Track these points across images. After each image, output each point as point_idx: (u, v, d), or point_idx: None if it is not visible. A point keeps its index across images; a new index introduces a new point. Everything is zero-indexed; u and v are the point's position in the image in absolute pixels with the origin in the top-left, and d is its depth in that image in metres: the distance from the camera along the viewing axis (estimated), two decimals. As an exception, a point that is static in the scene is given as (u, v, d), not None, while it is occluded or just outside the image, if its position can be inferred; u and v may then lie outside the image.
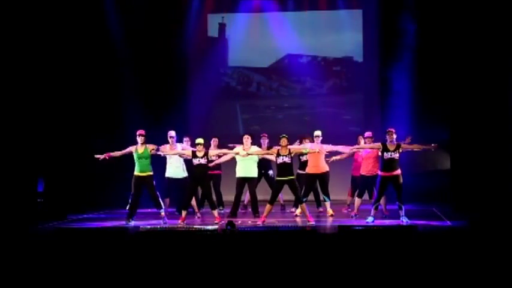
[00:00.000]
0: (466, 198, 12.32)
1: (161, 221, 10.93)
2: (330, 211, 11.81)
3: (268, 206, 10.68)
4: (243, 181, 11.92)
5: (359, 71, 15.38)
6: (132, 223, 10.92)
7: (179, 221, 10.88)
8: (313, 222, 10.53)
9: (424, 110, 14.01)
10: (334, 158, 11.87)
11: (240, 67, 15.82)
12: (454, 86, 13.27)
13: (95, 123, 13.92)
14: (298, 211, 11.83)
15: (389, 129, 10.75)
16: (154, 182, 11.06)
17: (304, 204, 10.74)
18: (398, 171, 10.63)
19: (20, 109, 12.70)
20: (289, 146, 10.76)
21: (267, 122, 15.34)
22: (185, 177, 11.87)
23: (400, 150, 10.60)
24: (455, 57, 13.18)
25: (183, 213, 10.95)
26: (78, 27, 13.66)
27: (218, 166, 12.46)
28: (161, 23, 14.87)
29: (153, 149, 11.11)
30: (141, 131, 11.05)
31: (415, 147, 10.88)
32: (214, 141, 12.47)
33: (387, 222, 10.77)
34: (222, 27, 15.73)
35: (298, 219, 11.56)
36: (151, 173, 11.06)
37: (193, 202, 11.73)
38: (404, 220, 10.47)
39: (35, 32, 12.85)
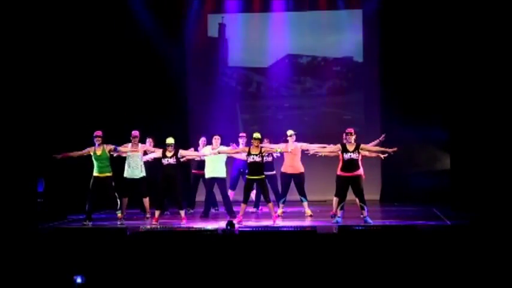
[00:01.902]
0: (466, 198, 12.32)
1: (118, 222, 10.94)
2: (308, 211, 11.84)
3: (242, 205, 10.75)
4: (212, 181, 11.95)
5: (359, 71, 15.38)
6: (90, 224, 10.89)
7: (153, 221, 10.95)
8: (275, 223, 10.58)
9: (424, 110, 14.01)
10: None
11: (240, 67, 15.81)
12: (454, 86, 13.27)
13: (95, 124, 13.88)
14: (279, 211, 11.79)
15: (348, 129, 10.73)
16: (113, 183, 11.11)
17: (271, 204, 10.80)
18: (359, 172, 10.59)
19: (20, 109, 12.70)
20: (261, 145, 10.88)
21: (266, 122, 15.33)
22: (143, 177, 11.86)
23: (360, 151, 10.56)
24: (456, 57, 13.17)
25: (156, 213, 11.00)
26: (77, 28, 13.64)
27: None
28: (161, 23, 14.86)
29: (110, 150, 11.14)
30: (97, 132, 11.10)
31: (374, 150, 10.76)
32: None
33: (387, 222, 10.76)
34: (222, 27, 15.73)
35: (298, 219, 11.57)
36: (110, 174, 11.11)
37: (147, 204, 11.88)
38: (369, 221, 10.37)
39: (34, 34, 12.84)
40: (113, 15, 14.16)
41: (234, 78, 15.84)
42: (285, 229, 8.50)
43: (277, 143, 12.14)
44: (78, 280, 6.92)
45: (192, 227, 9.18)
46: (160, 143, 12.36)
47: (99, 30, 13.98)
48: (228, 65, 15.81)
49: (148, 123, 13.57)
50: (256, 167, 10.71)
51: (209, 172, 11.93)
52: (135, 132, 11.76)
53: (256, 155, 10.70)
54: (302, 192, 11.88)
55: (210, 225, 9.24)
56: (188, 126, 15.18)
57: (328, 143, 12.23)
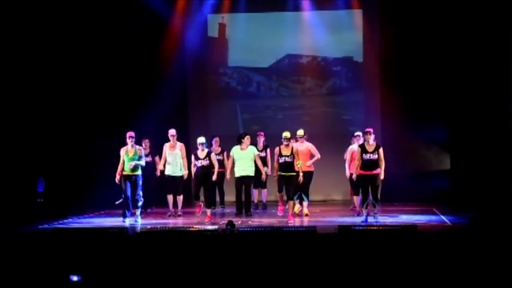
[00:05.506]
0: (466, 198, 12.32)
1: (134, 218, 11.05)
2: (305, 211, 11.91)
3: (290, 203, 10.99)
4: (241, 179, 11.98)
5: (359, 71, 15.38)
6: (128, 221, 11.05)
7: (206, 220, 11.13)
8: (292, 221, 10.77)
9: (424, 110, 14.01)
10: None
11: (240, 67, 15.81)
12: (454, 86, 13.28)
13: (95, 123, 13.92)
14: (297, 210, 11.86)
15: (368, 129, 10.78)
16: (141, 182, 11.17)
17: (292, 202, 11.01)
18: (378, 171, 10.65)
19: (20, 109, 12.71)
20: (293, 146, 11.03)
21: (267, 122, 15.33)
22: (182, 176, 12.08)
23: (379, 152, 10.61)
24: (456, 57, 13.19)
25: (208, 211, 11.25)
26: (77, 27, 13.64)
27: (222, 164, 12.48)
28: (161, 23, 14.86)
29: (139, 150, 11.25)
30: (131, 134, 11.16)
31: (380, 161, 10.68)
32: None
33: (387, 221, 10.77)
34: (222, 27, 15.73)
35: (297, 218, 11.58)
36: (139, 173, 11.18)
37: (170, 201, 12.11)
38: (376, 219, 10.52)
39: (33, 33, 12.85)
40: (112, 15, 14.15)
41: (234, 78, 15.84)
42: (285, 229, 8.50)
43: (276, 141, 12.12)
44: (74, 279, 6.93)
45: (192, 227, 9.17)
46: (159, 143, 12.38)
47: (98, 30, 13.98)
48: (228, 65, 15.81)
49: (148, 124, 13.56)
50: (289, 166, 10.94)
51: (239, 171, 11.98)
52: (172, 131, 11.98)
53: (288, 156, 10.92)
54: (306, 191, 11.91)
55: (210, 225, 9.24)
56: (188, 126, 15.17)
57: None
